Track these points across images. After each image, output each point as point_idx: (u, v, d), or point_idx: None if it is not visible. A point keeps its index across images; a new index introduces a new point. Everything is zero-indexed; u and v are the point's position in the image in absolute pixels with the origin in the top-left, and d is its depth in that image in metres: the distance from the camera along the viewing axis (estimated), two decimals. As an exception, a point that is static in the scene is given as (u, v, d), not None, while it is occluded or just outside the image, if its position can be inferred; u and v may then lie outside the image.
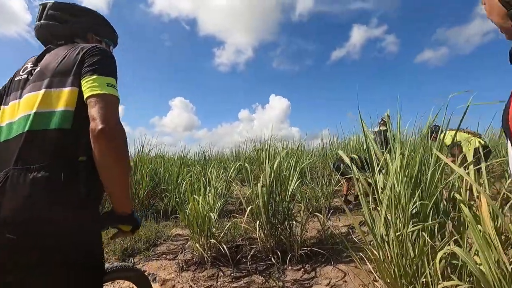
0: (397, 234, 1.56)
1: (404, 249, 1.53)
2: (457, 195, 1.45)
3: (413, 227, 1.53)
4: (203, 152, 5.40)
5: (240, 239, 3.40)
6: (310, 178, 4.84)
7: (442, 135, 3.73)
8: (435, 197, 1.66)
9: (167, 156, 6.33)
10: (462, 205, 1.36)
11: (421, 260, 1.43)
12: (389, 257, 1.64)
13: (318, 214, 3.17)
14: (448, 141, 3.70)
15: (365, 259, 2.12)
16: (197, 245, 2.72)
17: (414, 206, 1.74)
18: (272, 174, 2.80)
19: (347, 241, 3.21)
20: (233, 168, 4.69)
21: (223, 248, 2.63)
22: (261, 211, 2.77)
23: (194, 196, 2.67)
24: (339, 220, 4.01)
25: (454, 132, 3.83)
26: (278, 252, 2.72)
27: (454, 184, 1.73)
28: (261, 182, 2.97)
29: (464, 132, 4.24)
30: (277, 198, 2.90)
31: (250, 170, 3.39)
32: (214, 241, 2.68)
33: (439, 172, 1.65)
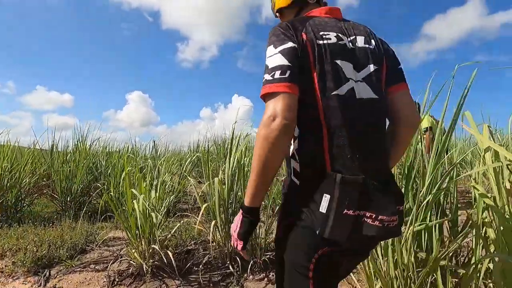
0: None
1: (408, 256, 1.17)
2: (475, 186, 1.13)
3: (418, 225, 1.19)
4: (154, 142, 4.67)
5: (192, 243, 2.88)
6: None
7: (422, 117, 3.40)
8: (436, 188, 1.33)
9: (112, 148, 5.49)
10: (486, 199, 1.03)
11: (434, 270, 1.09)
12: (384, 268, 1.27)
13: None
14: (425, 124, 3.50)
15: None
16: (134, 252, 2.13)
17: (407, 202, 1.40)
18: (235, 164, 2.33)
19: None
20: (189, 160, 4.11)
21: (167, 255, 2.09)
22: (218, 209, 2.28)
23: (133, 190, 2.08)
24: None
25: (426, 115, 3.68)
26: (237, 259, 2.25)
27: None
28: (220, 175, 2.49)
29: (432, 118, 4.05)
30: (239, 194, 2.44)
31: (209, 162, 2.88)
32: (157, 247, 2.12)
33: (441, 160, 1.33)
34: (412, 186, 1.48)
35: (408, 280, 1.22)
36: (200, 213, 2.13)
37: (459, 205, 1.47)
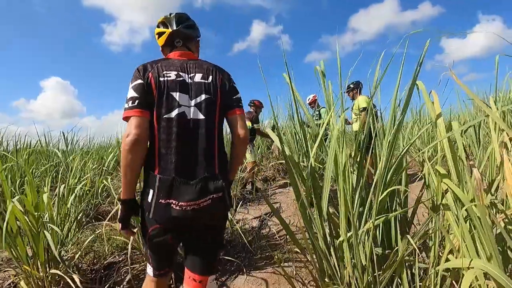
0: (361, 230, 1.00)
1: (368, 255, 0.98)
2: (437, 167, 0.98)
3: (376, 219, 1.00)
4: (63, 135, 3.79)
5: (116, 254, 2.39)
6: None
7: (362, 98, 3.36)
8: (390, 174, 1.17)
9: (11, 145, 4.39)
10: (448, 182, 0.87)
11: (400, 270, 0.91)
12: (339, 270, 1.07)
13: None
14: (363, 104, 3.56)
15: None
16: (22, 283, 1.59)
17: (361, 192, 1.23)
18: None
19: (259, 237, 2.66)
20: (112, 155, 3.47)
21: (71, 279, 1.61)
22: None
23: (14, 200, 1.52)
24: (248, 212, 3.46)
25: (365, 97, 3.74)
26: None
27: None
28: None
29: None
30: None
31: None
32: (59, 271, 1.62)
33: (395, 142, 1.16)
34: (360, 172, 1.31)
35: (368, 281, 1.05)
36: (109, 216, 1.69)
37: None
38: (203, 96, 1.05)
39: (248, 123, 4.78)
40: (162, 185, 0.97)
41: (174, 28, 1.16)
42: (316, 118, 5.08)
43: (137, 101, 0.99)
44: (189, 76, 1.08)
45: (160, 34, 1.19)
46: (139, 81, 1.02)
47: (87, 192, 2.64)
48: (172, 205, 0.95)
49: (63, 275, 1.59)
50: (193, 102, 1.04)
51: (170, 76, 1.04)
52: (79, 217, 2.07)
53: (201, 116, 1.04)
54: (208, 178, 1.00)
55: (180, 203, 0.95)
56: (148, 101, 1.01)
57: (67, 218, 1.96)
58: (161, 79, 1.03)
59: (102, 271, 2.12)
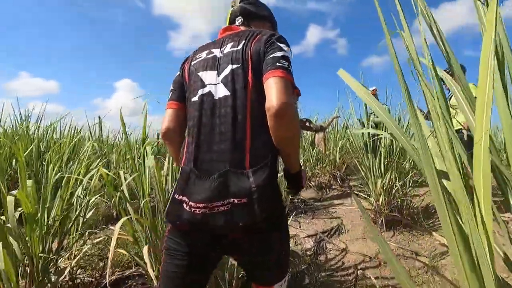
0: None
1: None
2: None
3: None
4: (99, 119, 3.49)
5: (133, 264, 1.92)
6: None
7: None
8: None
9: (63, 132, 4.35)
10: None
11: None
12: None
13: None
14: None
15: None
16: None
17: None
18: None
19: (316, 266, 1.93)
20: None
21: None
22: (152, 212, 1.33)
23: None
24: (299, 226, 2.73)
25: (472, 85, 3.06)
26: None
27: None
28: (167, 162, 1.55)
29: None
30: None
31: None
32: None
33: None
34: None
35: None
36: (119, 224, 1.17)
37: None
38: (229, 68, 0.85)
39: None
40: (180, 177, 0.81)
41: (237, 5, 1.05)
42: (376, 115, 4.10)
43: (171, 94, 0.97)
44: (221, 50, 0.90)
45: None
46: (178, 73, 0.99)
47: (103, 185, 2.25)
48: (184, 203, 0.77)
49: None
50: (220, 78, 0.85)
51: (201, 57, 0.92)
52: (86, 217, 1.63)
53: (227, 92, 0.83)
54: (230, 174, 0.75)
55: (190, 203, 0.76)
56: (183, 92, 0.94)
57: (67, 217, 1.52)
58: (193, 63, 0.93)
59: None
